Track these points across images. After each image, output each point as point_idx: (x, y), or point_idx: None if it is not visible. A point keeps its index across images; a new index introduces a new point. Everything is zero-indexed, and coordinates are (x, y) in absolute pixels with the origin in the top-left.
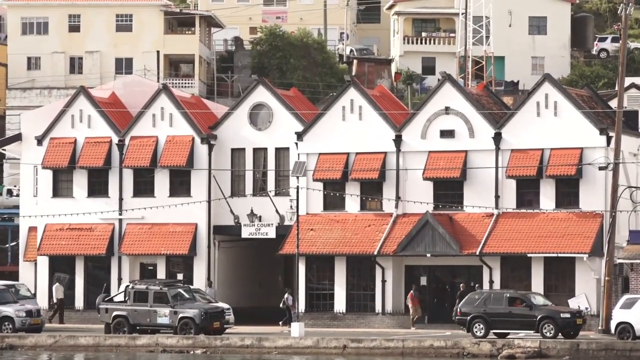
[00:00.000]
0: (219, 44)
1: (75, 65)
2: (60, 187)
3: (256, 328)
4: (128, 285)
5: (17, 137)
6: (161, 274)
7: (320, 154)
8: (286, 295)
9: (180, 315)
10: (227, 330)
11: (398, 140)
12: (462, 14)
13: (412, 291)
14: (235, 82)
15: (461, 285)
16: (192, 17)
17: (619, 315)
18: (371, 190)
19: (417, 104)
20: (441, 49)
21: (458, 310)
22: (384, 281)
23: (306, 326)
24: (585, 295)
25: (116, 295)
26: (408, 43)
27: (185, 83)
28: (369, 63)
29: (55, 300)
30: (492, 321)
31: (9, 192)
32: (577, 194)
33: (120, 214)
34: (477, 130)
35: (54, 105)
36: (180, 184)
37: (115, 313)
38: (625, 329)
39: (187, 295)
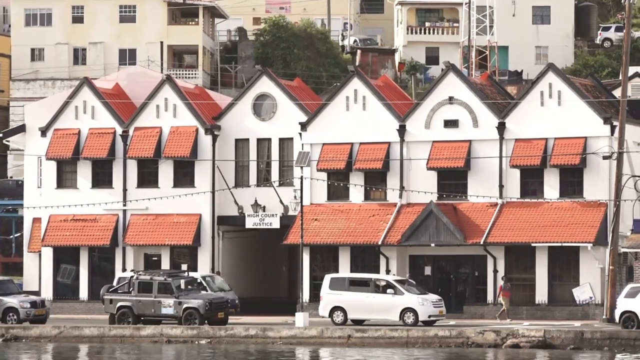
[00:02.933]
0: (223, 35)
1: (79, 56)
2: (65, 178)
3: (261, 318)
4: (133, 275)
5: (21, 129)
6: (165, 264)
7: (324, 144)
8: None
9: (185, 305)
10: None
11: (402, 130)
12: (466, 3)
13: (502, 283)
14: (239, 73)
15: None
16: (195, 7)
17: (623, 304)
18: (375, 180)
19: (421, 94)
20: (445, 38)
21: None
22: (388, 271)
23: (310, 316)
24: (589, 285)
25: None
26: (412, 33)
27: (188, 74)
28: (372, 53)
29: None
30: None
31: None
32: (581, 183)
33: (125, 205)
34: (481, 120)
35: (57, 96)
36: (184, 175)
37: (119, 304)
38: (629, 317)
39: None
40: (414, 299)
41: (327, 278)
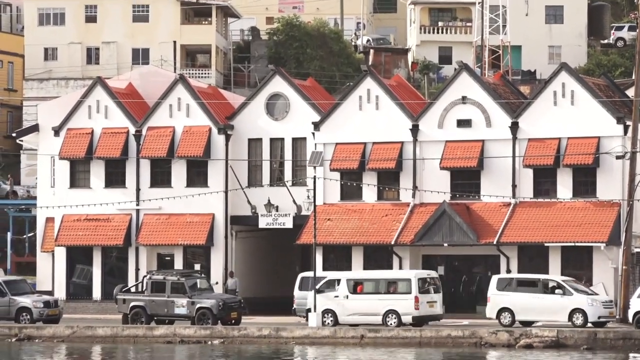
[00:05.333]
0: (236, 34)
1: (92, 55)
2: (78, 177)
3: (273, 318)
4: (145, 276)
5: (34, 128)
6: (178, 264)
7: (337, 143)
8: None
9: (198, 305)
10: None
11: (415, 129)
12: (479, 3)
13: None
14: (252, 72)
15: None
16: (208, 7)
17: (636, 304)
18: (388, 180)
19: (434, 93)
20: (458, 38)
21: None
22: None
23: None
24: (602, 285)
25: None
26: (425, 32)
27: (202, 73)
28: (385, 53)
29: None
30: None
31: None
32: (595, 183)
33: (138, 205)
34: (494, 119)
35: (71, 96)
36: (197, 175)
37: (132, 304)
38: None
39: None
40: (583, 299)
41: (495, 278)
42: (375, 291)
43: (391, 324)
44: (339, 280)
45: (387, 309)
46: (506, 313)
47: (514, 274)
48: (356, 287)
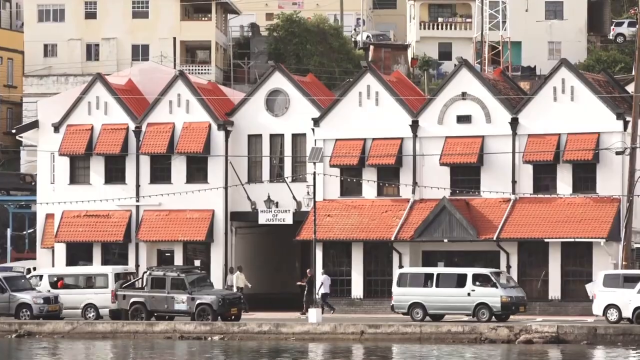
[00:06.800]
0: (236, 30)
1: (92, 52)
2: (77, 174)
3: (273, 314)
4: (145, 272)
5: (34, 124)
6: (178, 260)
7: (337, 139)
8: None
9: (198, 301)
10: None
11: (415, 125)
12: None
13: None
14: (251, 69)
15: (308, 271)
16: (208, 3)
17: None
18: (388, 175)
19: (434, 89)
20: (458, 34)
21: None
22: (401, 267)
23: (324, 312)
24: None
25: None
26: (424, 28)
27: (201, 69)
28: (385, 49)
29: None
30: None
31: None
32: (594, 178)
33: (138, 201)
34: (493, 115)
35: (70, 92)
36: (197, 171)
37: (132, 299)
38: None
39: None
40: None
41: (601, 274)
42: (75, 286)
43: (90, 317)
44: (42, 276)
45: (86, 302)
46: (613, 309)
47: (620, 270)
48: (57, 282)
